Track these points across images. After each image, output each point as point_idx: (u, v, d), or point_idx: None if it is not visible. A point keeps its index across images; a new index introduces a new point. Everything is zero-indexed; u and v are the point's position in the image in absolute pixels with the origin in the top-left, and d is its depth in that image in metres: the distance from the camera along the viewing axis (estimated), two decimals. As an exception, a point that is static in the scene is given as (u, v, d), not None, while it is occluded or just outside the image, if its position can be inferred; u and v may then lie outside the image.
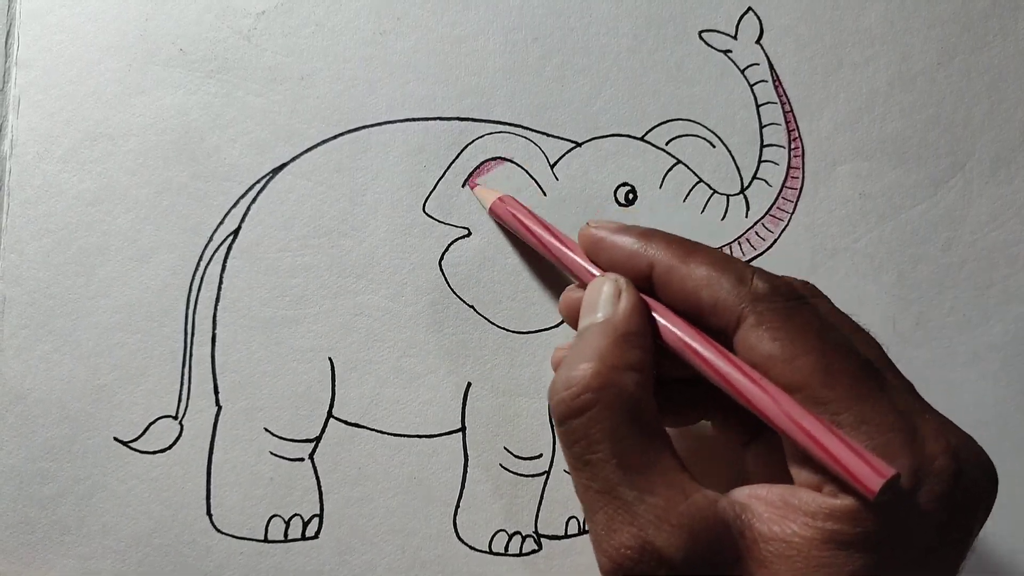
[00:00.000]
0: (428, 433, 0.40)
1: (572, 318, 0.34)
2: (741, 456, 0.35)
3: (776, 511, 0.27)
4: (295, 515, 0.39)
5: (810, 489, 0.27)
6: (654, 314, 0.31)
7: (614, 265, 0.33)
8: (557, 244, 0.36)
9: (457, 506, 0.39)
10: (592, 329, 0.30)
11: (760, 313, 0.28)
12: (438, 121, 0.40)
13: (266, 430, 0.39)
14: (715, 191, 0.41)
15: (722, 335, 0.29)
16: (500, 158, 0.40)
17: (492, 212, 0.39)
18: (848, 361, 0.28)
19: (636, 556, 0.27)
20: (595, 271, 0.34)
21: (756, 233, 0.41)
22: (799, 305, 0.29)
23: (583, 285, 0.34)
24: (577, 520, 0.40)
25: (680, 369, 0.31)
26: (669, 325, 0.30)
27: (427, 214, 0.40)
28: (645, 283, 0.32)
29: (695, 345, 0.29)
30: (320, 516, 0.39)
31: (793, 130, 0.41)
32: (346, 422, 0.39)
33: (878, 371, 0.28)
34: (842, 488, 0.26)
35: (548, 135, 0.41)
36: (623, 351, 0.29)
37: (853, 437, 0.26)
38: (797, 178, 0.41)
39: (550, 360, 0.35)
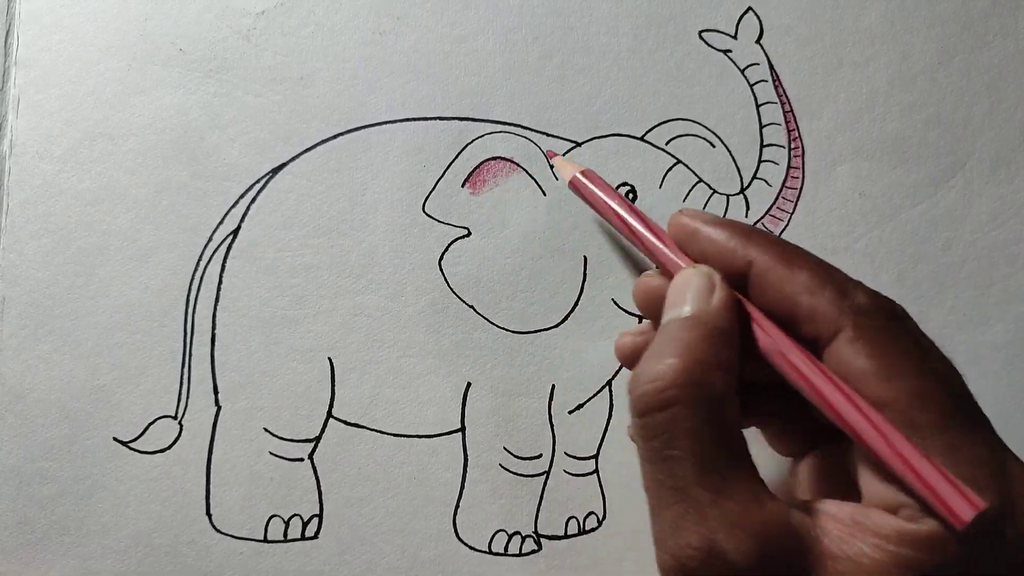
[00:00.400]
0: (428, 433, 0.40)
1: (647, 305, 0.32)
2: (792, 468, 0.34)
3: (845, 529, 0.26)
4: (295, 515, 0.39)
5: (883, 511, 0.27)
6: (749, 314, 0.29)
7: (706, 258, 0.31)
8: (643, 229, 0.33)
9: (457, 506, 0.39)
10: (680, 323, 0.29)
11: (860, 327, 0.27)
12: (438, 121, 0.40)
13: (266, 430, 0.39)
14: (715, 191, 0.41)
15: (813, 344, 0.29)
16: (500, 158, 0.40)
17: (572, 186, 0.37)
18: (943, 388, 0.27)
19: (702, 558, 0.26)
20: (683, 261, 0.32)
21: (756, 233, 0.40)
22: (899, 325, 0.28)
23: (667, 274, 0.32)
24: (577, 520, 0.40)
25: (749, 372, 0.29)
26: (764, 328, 0.29)
27: (427, 214, 0.40)
28: (737, 281, 0.30)
29: (789, 353, 0.28)
30: (320, 516, 0.39)
31: (793, 130, 0.41)
32: (346, 422, 0.39)
33: (972, 402, 0.28)
34: (921, 513, 0.26)
35: (548, 135, 0.41)
36: (713, 348, 0.28)
37: (942, 465, 0.26)
38: (797, 178, 0.41)
39: (615, 345, 0.34)
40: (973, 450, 0.26)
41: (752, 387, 0.30)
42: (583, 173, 0.36)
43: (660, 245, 0.32)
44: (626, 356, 0.34)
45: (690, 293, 0.29)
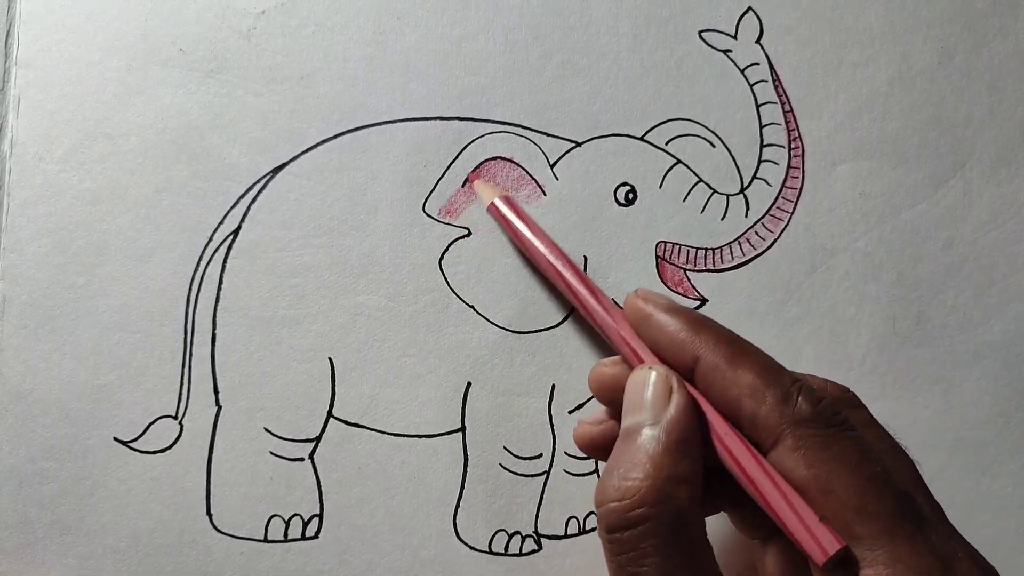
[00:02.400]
0: (428, 433, 0.40)
1: (604, 395, 0.33)
2: (760, 552, 0.34)
3: None
4: (295, 515, 0.39)
5: None
6: (705, 415, 0.30)
7: (657, 347, 0.32)
8: (600, 310, 0.34)
9: (457, 506, 0.39)
10: (643, 433, 0.29)
11: (800, 437, 0.28)
12: (438, 121, 0.40)
13: (266, 430, 0.39)
14: (715, 191, 0.41)
15: (757, 447, 0.29)
16: (500, 158, 0.40)
17: (492, 213, 0.39)
18: (885, 497, 0.27)
19: None
20: (641, 351, 0.32)
21: (756, 233, 0.41)
22: (839, 433, 0.28)
23: (625, 358, 0.33)
24: (577, 520, 0.40)
25: (710, 459, 0.30)
26: (718, 433, 0.29)
27: (427, 214, 0.40)
28: (688, 373, 0.31)
29: (742, 460, 0.29)
30: (320, 516, 0.39)
31: (793, 130, 0.41)
32: (346, 422, 0.39)
33: (915, 506, 0.28)
34: None
35: (548, 135, 0.41)
36: (676, 461, 0.28)
37: None
38: (797, 178, 0.41)
39: (573, 434, 0.34)
40: (916, 560, 0.26)
41: (714, 472, 0.30)
42: (505, 199, 0.38)
43: (617, 330, 0.33)
44: (586, 447, 0.34)
45: (650, 397, 0.30)
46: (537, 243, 0.37)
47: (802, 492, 0.27)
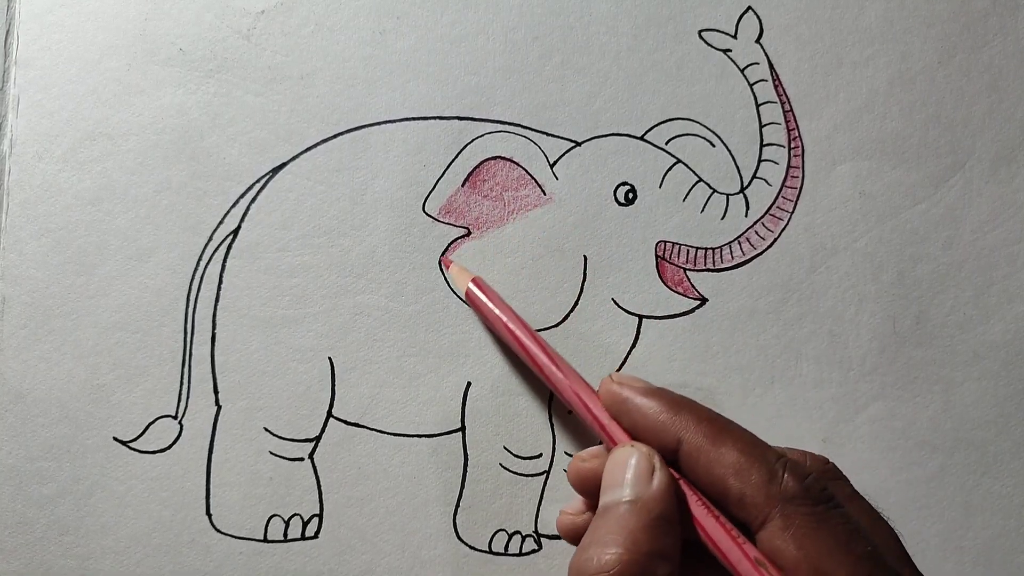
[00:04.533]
0: (428, 433, 0.40)
1: (584, 488, 0.33)
2: None
3: None
4: (295, 515, 0.39)
5: None
6: (686, 497, 0.30)
7: (637, 431, 0.32)
8: (577, 396, 0.34)
9: (457, 506, 0.39)
10: (621, 508, 0.29)
11: (788, 516, 0.28)
12: (438, 120, 0.40)
13: (266, 430, 0.39)
14: (715, 190, 0.41)
15: (745, 527, 0.29)
16: (500, 157, 0.40)
17: (469, 299, 0.38)
18: (875, 572, 0.27)
19: None
20: (619, 434, 0.32)
21: (756, 232, 0.41)
22: (827, 511, 0.28)
23: (603, 441, 0.33)
24: (577, 520, 0.40)
25: (687, 532, 0.30)
26: (699, 516, 0.29)
27: (427, 214, 0.40)
28: (670, 456, 0.31)
29: (724, 546, 0.28)
30: (320, 516, 0.39)
31: (793, 129, 0.41)
32: (346, 422, 0.39)
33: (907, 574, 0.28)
34: None
35: (548, 134, 0.41)
36: (656, 537, 0.28)
37: None
38: (797, 177, 0.41)
39: (556, 523, 0.34)
40: None
41: (691, 548, 0.30)
42: (477, 283, 0.38)
43: (595, 412, 0.33)
44: (568, 535, 0.34)
45: (630, 474, 0.30)
46: (513, 327, 0.37)
47: (793, 572, 0.27)
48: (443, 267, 0.40)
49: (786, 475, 0.28)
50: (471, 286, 0.38)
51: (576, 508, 0.34)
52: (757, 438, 0.30)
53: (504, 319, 0.37)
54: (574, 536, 0.34)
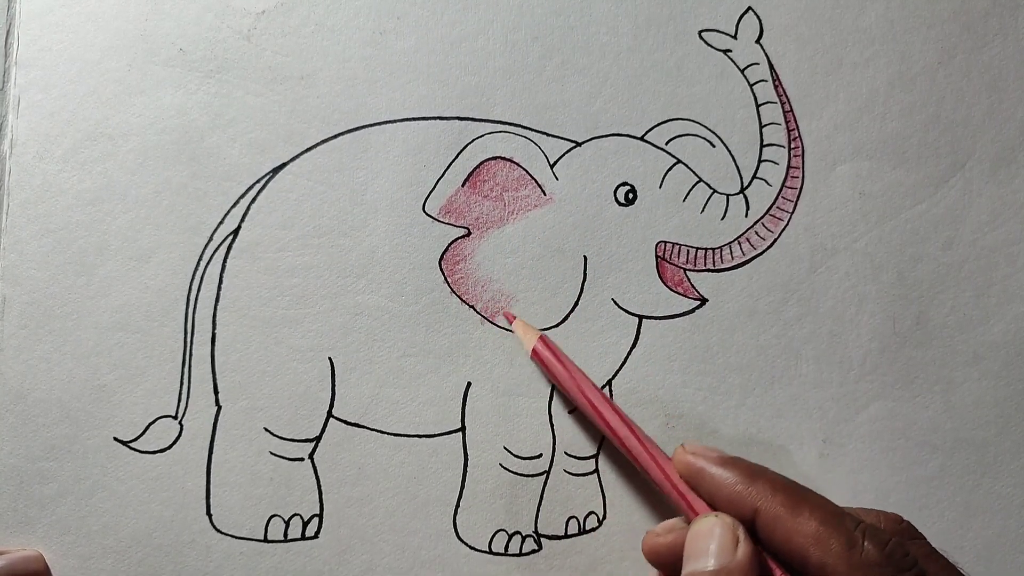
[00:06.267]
0: (428, 433, 0.40)
1: (657, 561, 0.34)
2: None
3: None
4: (295, 515, 0.39)
5: None
6: (769, 565, 0.30)
7: (714, 499, 0.32)
8: (652, 462, 0.35)
9: (457, 506, 0.39)
10: None
11: None
12: (438, 121, 0.40)
13: (266, 430, 0.39)
14: (715, 191, 0.41)
15: None
16: (500, 158, 0.40)
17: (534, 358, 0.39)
18: None
19: None
20: (700, 505, 0.33)
21: (756, 232, 0.41)
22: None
23: (681, 512, 0.33)
24: (577, 520, 0.40)
25: None
26: None
27: (427, 214, 0.40)
28: (746, 524, 0.31)
29: None
30: (320, 516, 0.39)
31: (793, 129, 0.41)
32: (346, 422, 0.39)
33: None
34: None
35: (548, 135, 0.41)
36: None
37: None
38: (797, 177, 0.41)
39: (643, 544, 0.35)
40: None
41: None
42: (551, 350, 0.38)
43: (677, 485, 0.34)
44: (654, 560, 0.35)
45: (714, 545, 0.30)
46: (592, 394, 0.37)
47: None
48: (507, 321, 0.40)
49: (866, 543, 0.29)
50: (538, 346, 0.38)
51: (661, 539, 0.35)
52: (834, 505, 0.30)
53: (580, 385, 0.37)
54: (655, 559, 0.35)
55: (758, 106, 0.41)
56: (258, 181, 0.40)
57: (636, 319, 0.40)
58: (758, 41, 0.41)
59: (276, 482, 0.39)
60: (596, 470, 0.40)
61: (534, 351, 0.38)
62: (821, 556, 0.29)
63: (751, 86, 0.41)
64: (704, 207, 0.41)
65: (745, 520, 0.31)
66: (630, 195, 0.41)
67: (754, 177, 0.41)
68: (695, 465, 0.33)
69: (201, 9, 0.41)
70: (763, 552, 0.31)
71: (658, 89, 0.41)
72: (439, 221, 0.40)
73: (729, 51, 0.41)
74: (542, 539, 0.39)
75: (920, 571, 0.29)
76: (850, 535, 0.29)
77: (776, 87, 0.41)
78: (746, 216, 0.41)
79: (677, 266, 0.40)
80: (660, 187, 0.41)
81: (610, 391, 0.40)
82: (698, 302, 0.40)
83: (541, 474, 0.40)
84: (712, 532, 0.31)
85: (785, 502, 0.30)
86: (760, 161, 0.41)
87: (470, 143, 0.40)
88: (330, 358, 0.39)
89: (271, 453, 0.39)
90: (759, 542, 0.31)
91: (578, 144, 0.41)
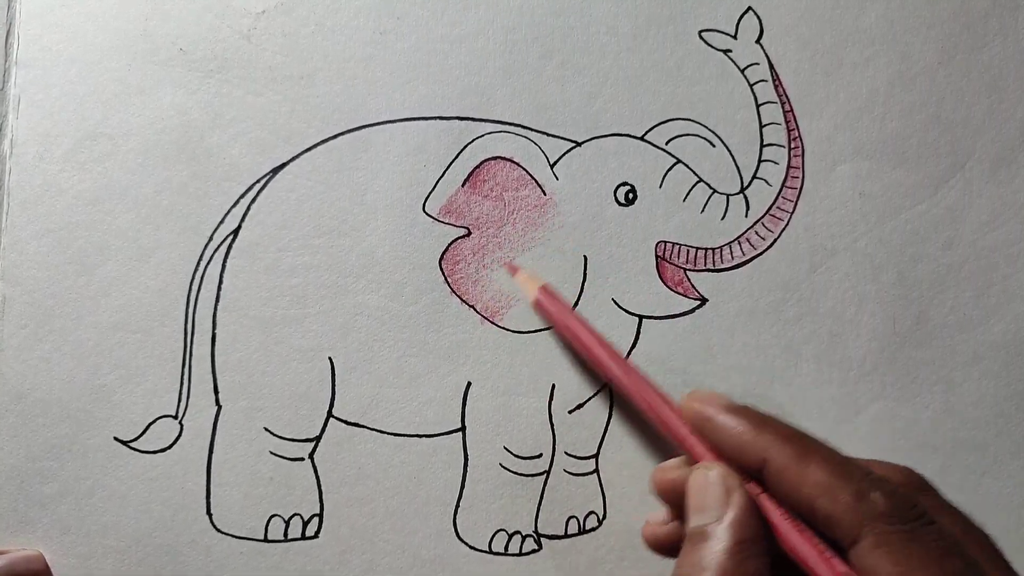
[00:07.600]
0: (428, 433, 0.40)
1: (666, 497, 0.34)
2: None
3: None
4: (295, 515, 0.39)
5: None
6: (771, 519, 0.30)
7: (722, 448, 0.32)
8: (664, 407, 0.35)
9: (457, 506, 0.39)
10: (708, 534, 0.30)
11: (879, 534, 0.27)
12: (438, 121, 0.40)
13: (266, 430, 0.39)
14: (715, 190, 0.41)
15: (836, 546, 0.29)
16: (500, 158, 0.40)
17: (539, 308, 0.39)
18: None
19: None
20: (701, 450, 0.33)
21: (756, 232, 0.41)
22: (919, 528, 0.28)
23: (685, 452, 0.33)
24: (577, 520, 0.40)
25: (775, 548, 0.30)
26: (785, 532, 0.30)
27: (427, 214, 0.40)
28: (756, 474, 0.31)
29: (811, 562, 0.29)
30: (320, 516, 0.39)
31: (793, 129, 0.41)
32: (346, 422, 0.39)
33: None
34: None
35: (548, 135, 0.41)
36: (741, 562, 0.29)
37: None
38: (797, 177, 0.41)
39: (651, 480, 0.35)
40: None
41: (779, 560, 0.30)
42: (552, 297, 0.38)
43: (679, 428, 0.34)
44: (654, 546, 0.36)
45: (711, 498, 0.30)
46: (593, 341, 0.37)
47: None
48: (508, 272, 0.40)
49: (874, 493, 0.28)
50: (540, 295, 0.38)
51: (659, 519, 0.35)
52: (843, 455, 0.30)
53: (579, 334, 0.37)
54: (657, 546, 0.35)
55: (758, 106, 0.41)
56: (258, 181, 0.40)
57: (636, 319, 0.40)
58: (758, 41, 0.41)
59: (276, 482, 0.39)
60: (596, 470, 0.40)
61: (536, 301, 0.39)
62: (829, 506, 0.28)
63: (751, 86, 0.41)
64: (704, 207, 0.41)
65: (753, 469, 0.31)
66: (630, 195, 0.41)
67: (754, 177, 0.41)
68: (703, 413, 0.33)
69: (201, 9, 0.41)
70: (767, 498, 0.30)
71: (658, 89, 0.41)
72: (439, 221, 0.40)
73: (729, 51, 0.41)
74: (542, 539, 0.39)
75: (929, 521, 0.28)
76: (858, 486, 0.29)
77: (776, 87, 0.41)
78: (746, 216, 0.41)
79: (677, 266, 0.40)
80: (660, 187, 0.41)
81: (610, 391, 0.40)
82: (698, 302, 0.40)
83: (541, 474, 0.40)
84: (707, 484, 0.31)
85: (793, 452, 0.30)
86: (760, 161, 0.41)
87: (470, 143, 0.40)
88: (330, 358, 0.40)
89: (271, 453, 0.39)
90: (769, 489, 0.31)
91: (578, 144, 0.41)
